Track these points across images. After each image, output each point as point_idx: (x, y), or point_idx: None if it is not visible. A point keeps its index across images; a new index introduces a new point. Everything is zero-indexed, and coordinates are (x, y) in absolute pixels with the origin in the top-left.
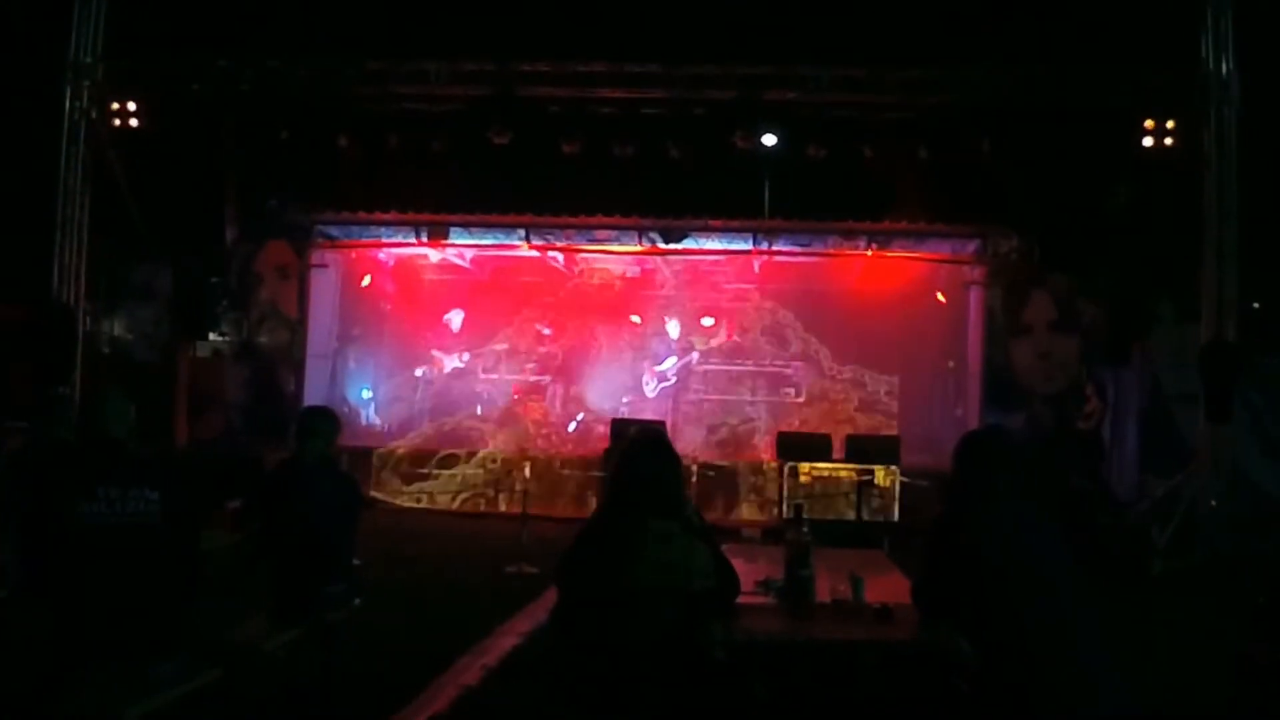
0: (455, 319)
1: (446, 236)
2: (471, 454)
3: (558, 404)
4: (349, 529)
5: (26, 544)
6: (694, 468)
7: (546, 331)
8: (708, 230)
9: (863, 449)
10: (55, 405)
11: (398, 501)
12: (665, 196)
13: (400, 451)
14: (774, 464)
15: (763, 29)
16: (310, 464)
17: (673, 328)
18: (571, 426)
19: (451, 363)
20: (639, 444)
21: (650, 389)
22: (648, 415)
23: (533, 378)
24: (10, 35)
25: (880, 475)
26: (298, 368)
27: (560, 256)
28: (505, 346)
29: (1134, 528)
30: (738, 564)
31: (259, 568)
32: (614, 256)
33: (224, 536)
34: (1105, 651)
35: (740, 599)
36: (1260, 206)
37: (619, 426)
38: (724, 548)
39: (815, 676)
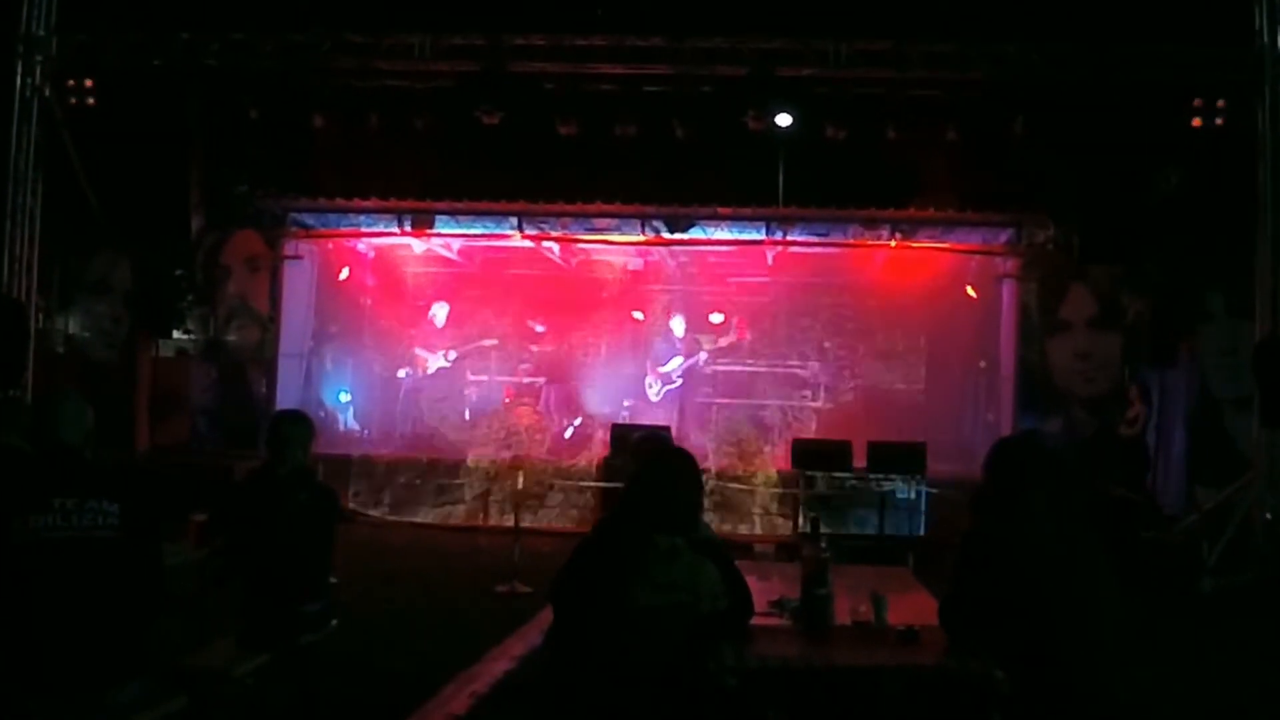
0: (441, 315)
1: (432, 225)
2: (459, 462)
3: (552, 408)
4: (326, 544)
5: None
6: (703, 478)
7: (540, 329)
8: (716, 219)
9: (885, 457)
10: (5, 409)
11: (378, 514)
12: (670, 182)
13: (381, 460)
14: (789, 473)
15: None
16: (285, 474)
17: (678, 325)
18: (568, 433)
19: (437, 363)
20: (658, 458)
21: (654, 392)
22: (651, 420)
23: (525, 379)
24: None
25: (905, 485)
26: (269, 368)
27: (556, 247)
28: (495, 345)
29: (1181, 543)
30: (749, 582)
31: (227, 586)
32: (614, 247)
33: (189, 551)
34: (1150, 678)
35: (753, 620)
36: None
37: (620, 433)
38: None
39: (833, 705)
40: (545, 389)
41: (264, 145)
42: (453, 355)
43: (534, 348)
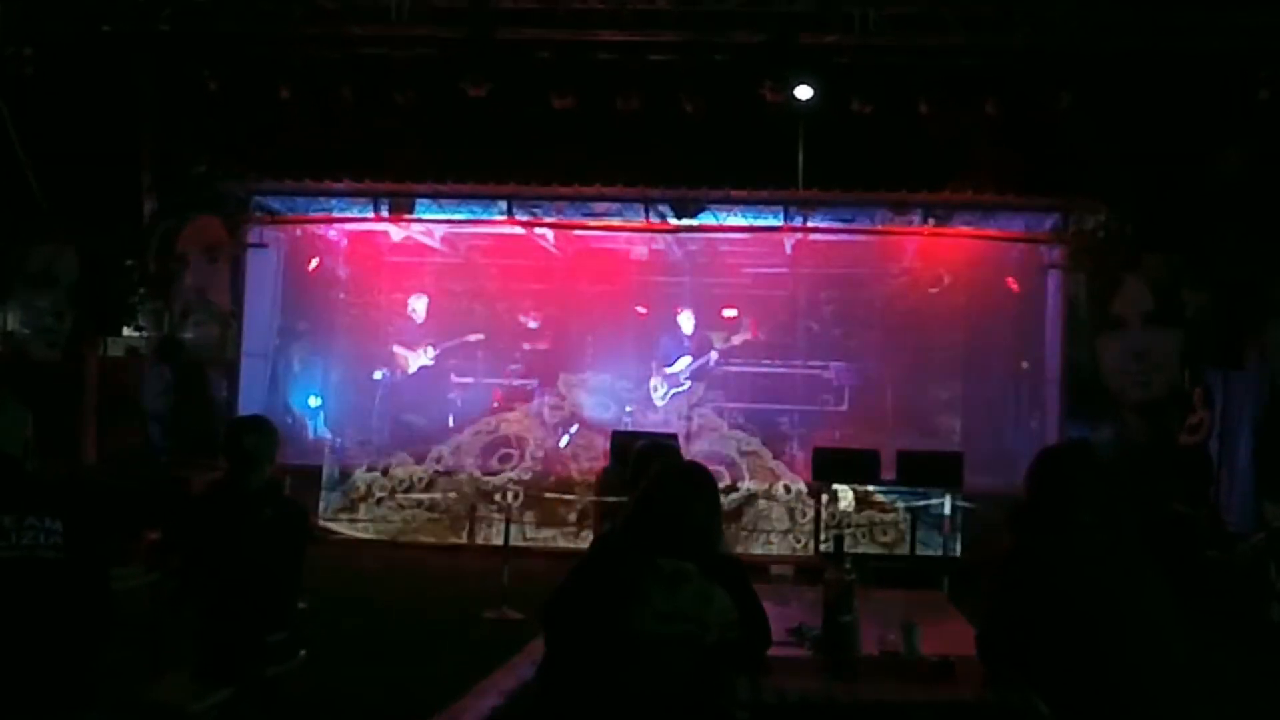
0: (422, 310)
1: (412, 210)
2: (442, 474)
3: (546, 413)
4: (293, 565)
5: None
6: (719, 496)
7: (533, 325)
8: (729, 203)
9: (917, 468)
10: None
11: (353, 532)
12: (678, 162)
13: (355, 471)
14: (809, 486)
15: None
16: (248, 488)
17: (686, 321)
18: (564, 441)
19: (418, 363)
20: (666, 471)
21: (659, 395)
22: (656, 427)
23: (516, 381)
24: None
25: (939, 500)
26: (230, 369)
27: (550, 234)
28: (482, 340)
29: (1248, 564)
30: (765, 608)
31: (184, 612)
32: (615, 234)
33: (141, 574)
34: (1212, 716)
35: (770, 650)
36: None
37: (621, 441)
38: None
39: None
40: (538, 392)
41: (224, 120)
42: (434, 353)
43: (525, 346)
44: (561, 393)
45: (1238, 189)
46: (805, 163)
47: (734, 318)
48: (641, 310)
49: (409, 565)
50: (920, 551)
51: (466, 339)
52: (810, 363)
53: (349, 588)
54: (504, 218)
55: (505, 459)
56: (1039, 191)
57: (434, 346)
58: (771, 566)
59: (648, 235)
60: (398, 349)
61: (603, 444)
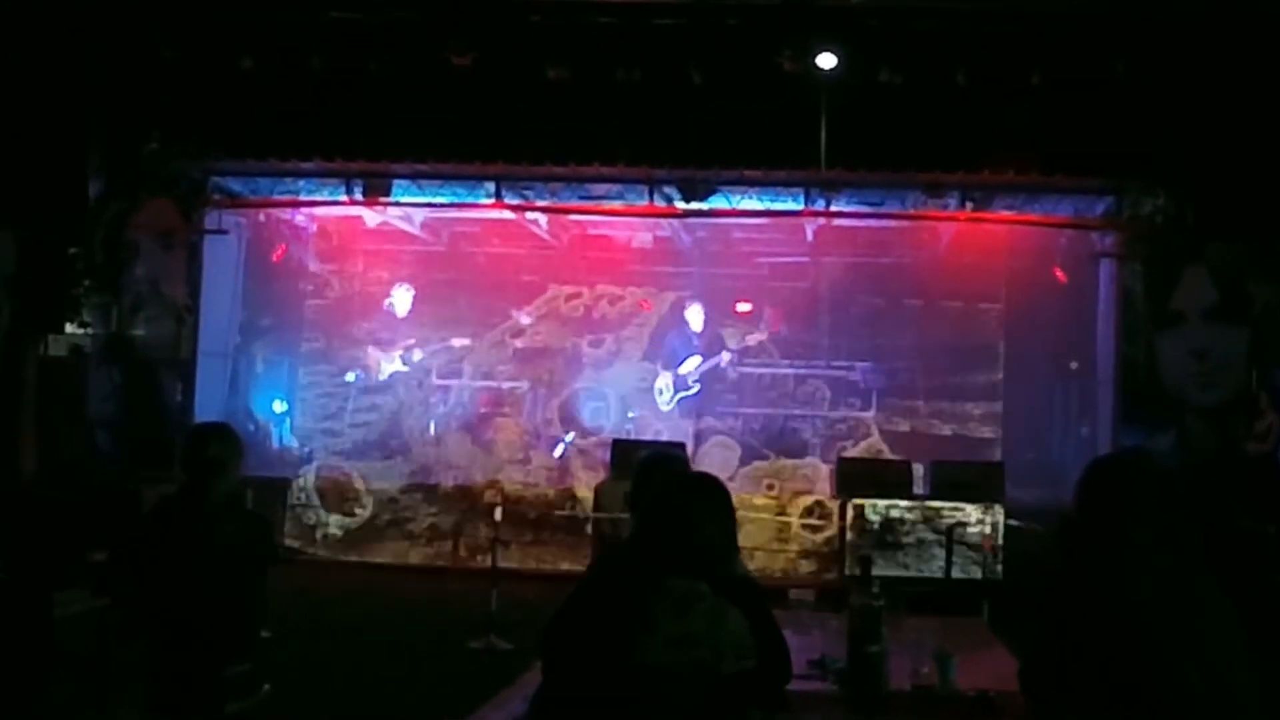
0: (401, 304)
1: (388, 193)
2: (423, 487)
3: (539, 419)
4: (256, 589)
5: None
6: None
7: (526, 321)
8: (743, 184)
9: (954, 481)
10: None
11: (322, 552)
12: (686, 138)
13: (326, 484)
14: (833, 501)
15: None
16: (206, 502)
17: (695, 317)
18: (559, 450)
19: (395, 364)
20: (674, 484)
21: (665, 400)
22: (662, 435)
23: (506, 384)
24: None
25: (978, 516)
26: (186, 370)
27: (543, 220)
28: (468, 342)
29: None
30: (786, 636)
31: (134, 641)
32: (616, 219)
33: (86, 599)
34: None
35: (789, 684)
36: None
37: (623, 451)
38: None
39: None
40: (531, 396)
41: (180, 92)
42: (416, 355)
43: (517, 344)
44: (556, 396)
45: None
46: (828, 140)
47: (749, 313)
48: (646, 304)
49: (385, 589)
50: (957, 574)
51: (452, 343)
52: (834, 363)
53: (318, 614)
54: (492, 201)
55: (493, 470)
56: (1090, 172)
57: (417, 348)
58: (791, 591)
59: (652, 221)
60: (373, 349)
61: (602, 454)
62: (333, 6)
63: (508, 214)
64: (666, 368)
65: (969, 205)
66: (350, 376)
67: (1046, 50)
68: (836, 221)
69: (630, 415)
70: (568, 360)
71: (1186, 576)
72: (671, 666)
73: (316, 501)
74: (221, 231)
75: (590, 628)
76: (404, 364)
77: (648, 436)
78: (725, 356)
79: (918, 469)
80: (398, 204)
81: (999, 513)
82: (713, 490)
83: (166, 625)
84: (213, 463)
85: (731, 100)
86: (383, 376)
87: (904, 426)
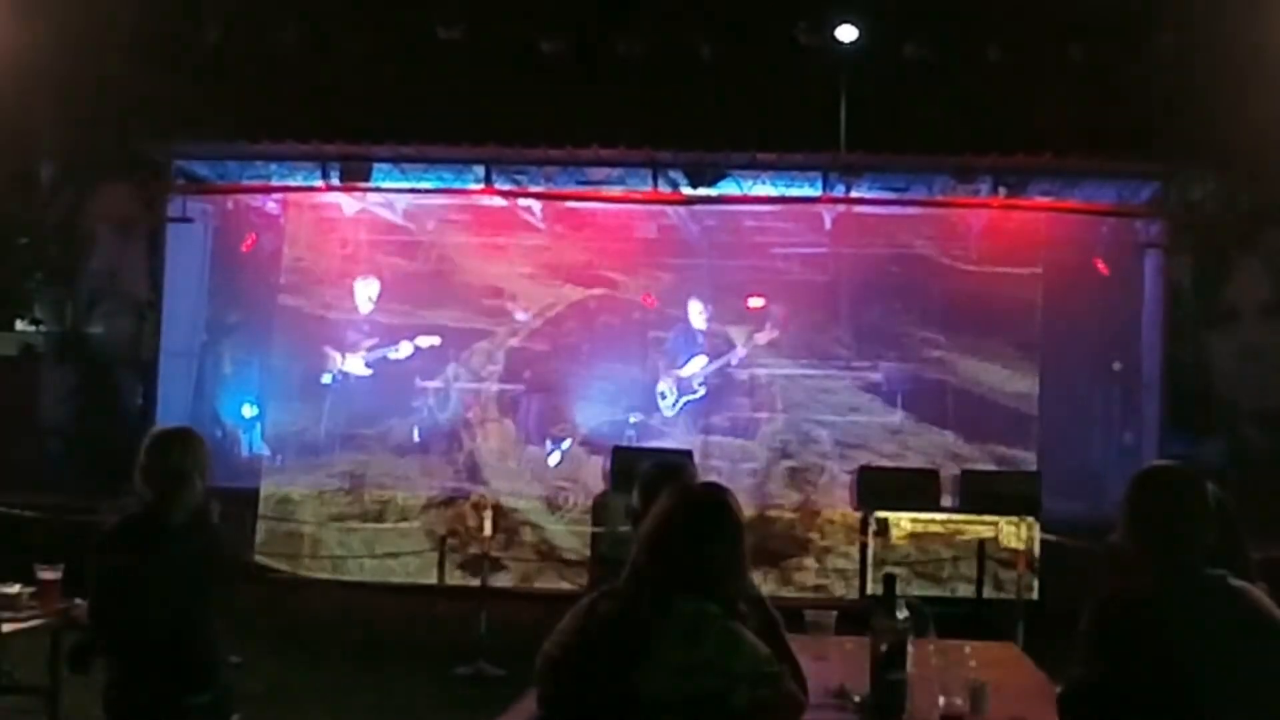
0: (382, 300)
1: (368, 177)
2: (406, 499)
3: (532, 425)
4: (223, 610)
5: None
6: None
7: (519, 317)
8: (755, 168)
9: (986, 492)
10: None
11: (296, 570)
12: (693, 118)
13: (300, 496)
14: (853, 514)
15: None
16: (169, 516)
17: (702, 313)
18: (553, 459)
19: (376, 364)
20: (679, 497)
21: (669, 404)
22: (666, 443)
23: (496, 386)
24: None
25: (1012, 531)
26: (147, 371)
27: (536, 206)
28: (455, 341)
29: None
30: (802, 663)
31: (88, 666)
32: (616, 206)
33: (36, 621)
34: None
35: (807, 715)
36: None
37: (623, 460)
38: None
39: None
40: (523, 400)
41: (141, 68)
42: (398, 354)
43: (509, 342)
44: (551, 400)
45: None
46: (848, 120)
47: (761, 309)
48: (648, 300)
49: (365, 610)
50: (989, 594)
51: (436, 342)
52: (854, 364)
53: (291, 637)
54: (481, 187)
55: (482, 481)
56: (1134, 154)
57: (397, 348)
58: (807, 613)
59: (656, 208)
60: (351, 348)
61: (601, 463)
62: None
63: (499, 201)
64: (670, 369)
65: (1002, 191)
66: (326, 378)
67: (1087, 21)
68: (857, 209)
69: (631, 420)
70: (563, 360)
71: (1240, 599)
72: (679, 697)
73: (290, 514)
74: (186, 220)
75: (589, 654)
76: (385, 364)
77: (650, 444)
78: (735, 356)
79: (946, 478)
80: (379, 190)
81: (1035, 527)
82: (722, 503)
83: (123, 650)
84: (175, 473)
85: (743, 76)
86: (364, 378)
87: (930, 432)
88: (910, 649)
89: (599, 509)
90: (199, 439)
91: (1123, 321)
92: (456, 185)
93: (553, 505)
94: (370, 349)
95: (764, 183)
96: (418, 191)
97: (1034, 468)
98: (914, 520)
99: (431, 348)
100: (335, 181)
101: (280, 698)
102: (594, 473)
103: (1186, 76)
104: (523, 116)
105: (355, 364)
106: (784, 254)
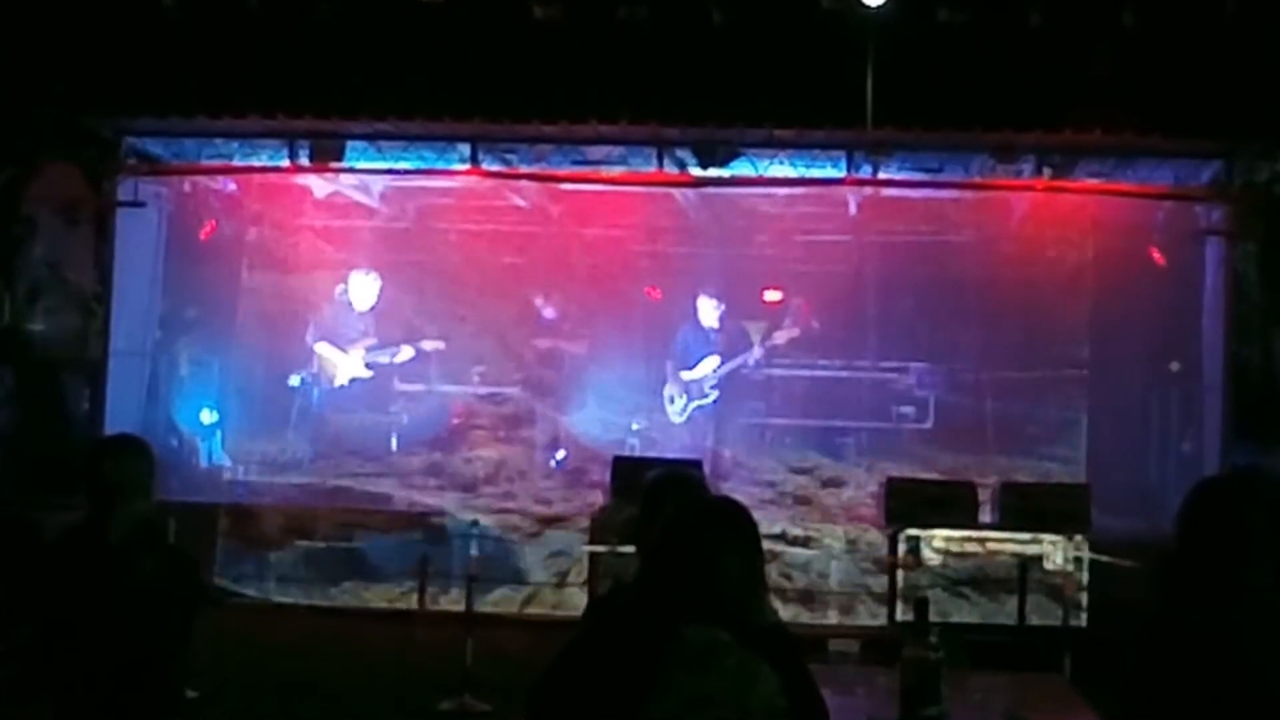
0: (357, 293)
1: (341, 157)
2: (384, 515)
3: (524, 433)
4: (179, 638)
5: None
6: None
7: (508, 313)
8: (772, 146)
9: (1029, 507)
10: None
11: (262, 593)
12: (703, 92)
13: (266, 511)
14: (881, 531)
15: None
16: (118, 533)
17: (714, 308)
18: (548, 469)
19: (351, 365)
20: (689, 511)
21: (677, 408)
22: (672, 451)
23: (485, 389)
24: None
25: (1057, 550)
26: (95, 372)
27: (528, 189)
28: (439, 339)
29: None
30: (825, 696)
31: (35, 700)
32: (618, 190)
33: None
34: None
35: None
36: None
37: (626, 470)
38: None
39: None
40: (513, 405)
41: (87, 36)
42: (376, 355)
43: (501, 339)
44: (544, 405)
45: None
46: (876, 93)
47: (779, 303)
48: (653, 293)
49: (339, 638)
50: (1032, 620)
51: (414, 341)
52: (882, 364)
53: (257, 667)
54: (466, 167)
55: (469, 493)
56: (1193, 132)
57: (373, 347)
58: (830, 641)
59: (661, 192)
60: (322, 347)
61: (601, 473)
62: None
63: (486, 183)
64: (678, 370)
65: (1047, 172)
66: (295, 380)
67: None
68: (885, 192)
69: (634, 427)
70: (559, 361)
71: None
72: None
73: (254, 532)
74: (138, 204)
75: (588, 687)
76: (361, 366)
77: (655, 453)
78: (750, 355)
79: (984, 492)
80: (352, 171)
81: (1083, 546)
82: (735, 519)
83: (71, 682)
84: (107, 488)
85: (759, 44)
86: (336, 381)
87: (967, 440)
88: (944, 681)
89: (598, 524)
90: (138, 450)
91: (1181, 317)
92: (439, 165)
93: (547, 520)
94: (344, 348)
95: (782, 163)
96: (396, 173)
97: (1082, 480)
98: (948, 538)
99: (410, 347)
100: (304, 161)
101: None
102: (593, 483)
103: (1251, 47)
104: (512, 89)
105: (327, 365)
106: (804, 242)
